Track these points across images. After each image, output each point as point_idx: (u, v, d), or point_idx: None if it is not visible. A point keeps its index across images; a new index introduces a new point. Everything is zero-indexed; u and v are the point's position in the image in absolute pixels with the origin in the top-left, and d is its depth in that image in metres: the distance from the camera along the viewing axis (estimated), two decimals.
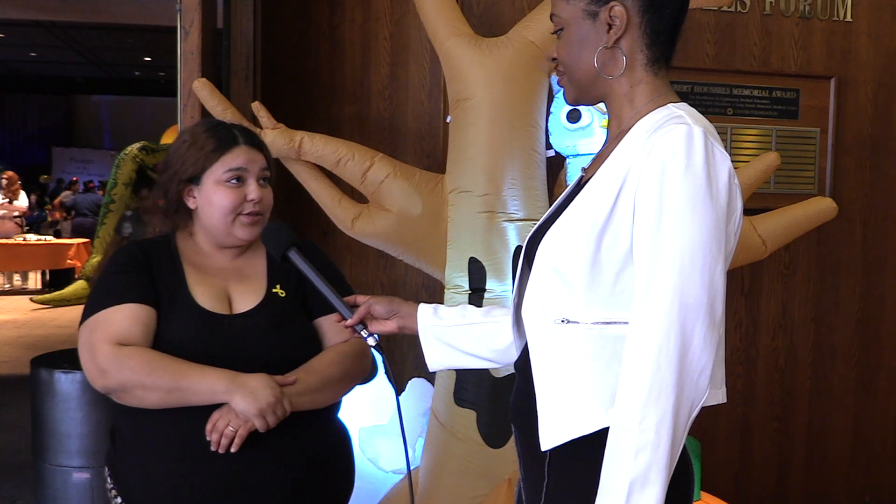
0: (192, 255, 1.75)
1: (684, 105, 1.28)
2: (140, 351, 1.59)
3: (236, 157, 1.71)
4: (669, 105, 1.27)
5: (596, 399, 1.21)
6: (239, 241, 1.74)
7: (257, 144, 1.77)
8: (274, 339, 1.68)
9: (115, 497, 1.67)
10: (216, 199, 1.70)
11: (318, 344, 1.77)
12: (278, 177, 2.54)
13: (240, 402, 1.55)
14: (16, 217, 10.80)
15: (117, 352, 1.58)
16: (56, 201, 13.29)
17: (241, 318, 1.69)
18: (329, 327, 1.75)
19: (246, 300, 1.72)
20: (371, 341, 1.51)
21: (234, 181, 1.70)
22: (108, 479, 1.71)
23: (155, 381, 1.57)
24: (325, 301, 1.53)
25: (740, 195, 1.23)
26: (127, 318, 1.62)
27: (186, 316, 1.65)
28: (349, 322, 1.51)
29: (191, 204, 1.74)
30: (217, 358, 1.61)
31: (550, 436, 1.24)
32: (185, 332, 1.63)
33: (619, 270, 1.21)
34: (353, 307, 1.52)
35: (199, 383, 1.56)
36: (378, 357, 1.66)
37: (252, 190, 1.71)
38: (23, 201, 11.10)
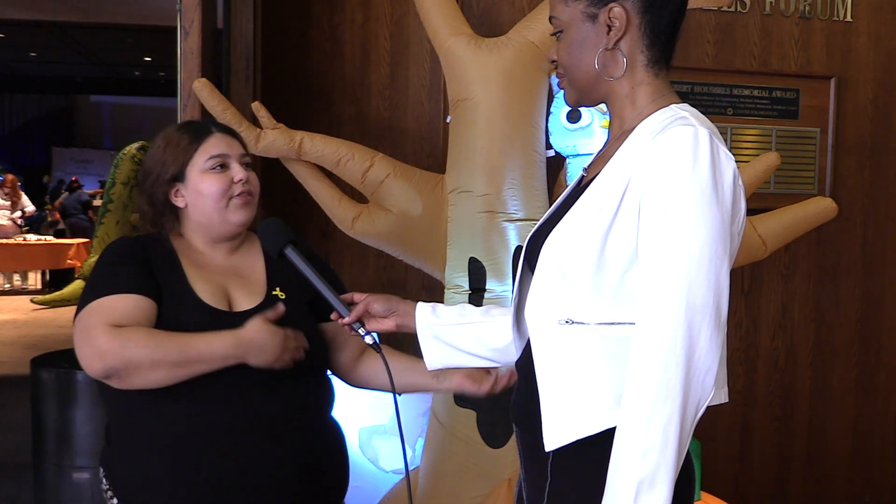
0: (188, 252, 1.74)
1: (687, 106, 1.28)
2: (140, 328, 1.56)
3: (215, 145, 1.71)
4: (672, 106, 1.27)
5: (600, 399, 1.21)
6: (235, 227, 1.73)
7: (231, 132, 1.79)
8: None
9: (112, 498, 1.66)
10: (204, 187, 1.69)
11: (322, 347, 1.77)
12: (278, 176, 2.56)
13: (255, 360, 1.57)
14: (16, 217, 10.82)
15: (117, 331, 1.54)
16: (56, 203, 13.37)
17: (242, 316, 1.68)
18: (340, 332, 1.75)
19: (245, 300, 1.71)
20: (369, 339, 1.51)
21: (217, 167, 1.70)
22: (104, 480, 1.69)
23: (162, 355, 1.53)
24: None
25: (744, 196, 1.23)
26: (129, 306, 1.58)
27: (192, 310, 1.64)
28: (346, 320, 1.51)
29: (179, 203, 1.73)
30: None
31: (555, 436, 1.23)
32: (193, 327, 1.62)
33: (624, 271, 1.21)
34: (351, 305, 1.52)
35: (209, 351, 1.55)
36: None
37: (237, 171, 1.71)
38: (28, 203, 11.14)
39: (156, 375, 1.54)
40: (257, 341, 1.56)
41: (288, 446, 1.64)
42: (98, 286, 1.62)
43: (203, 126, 1.77)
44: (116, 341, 1.53)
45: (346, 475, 1.81)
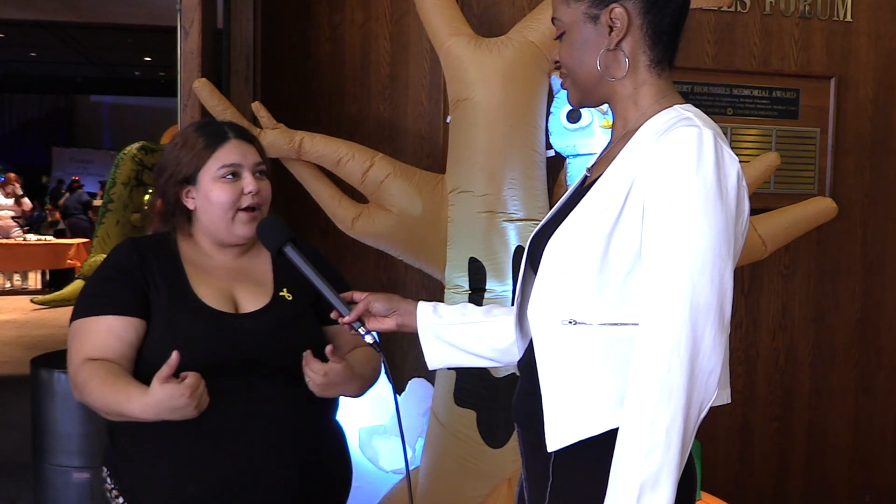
0: (193, 255, 1.74)
1: (690, 106, 1.28)
2: (86, 372, 1.58)
3: (229, 153, 1.70)
4: (676, 106, 1.27)
5: (603, 400, 1.21)
6: (239, 239, 1.73)
7: (248, 138, 1.76)
8: (281, 341, 1.67)
9: (117, 497, 1.66)
10: (214, 195, 1.69)
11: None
12: (278, 177, 2.56)
13: (174, 418, 1.51)
14: (17, 217, 10.85)
15: (81, 370, 1.59)
16: (60, 201, 13.44)
17: (248, 318, 1.68)
18: (342, 334, 1.75)
19: (252, 302, 1.71)
20: (369, 339, 1.50)
21: (229, 176, 1.70)
22: (108, 480, 1.70)
23: (103, 405, 1.57)
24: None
25: (748, 197, 1.23)
26: (103, 331, 1.62)
27: (193, 314, 1.64)
28: (346, 319, 1.50)
29: (189, 205, 1.73)
30: (225, 357, 1.60)
31: (557, 437, 1.23)
32: (194, 331, 1.62)
33: (627, 272, 1.21)
34: (352, 304, 1.51)
35: (131, 411, 1.52)
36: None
37: (248, 182, 1.70)
38: (27, 202, 11.20)
39: (108, 416, 1.60)
40: (164, 405, 1.49)
41: (291, 447, 1.64)
42: (85, 303, 1.67)
43: (221, 131, 1.74)
44: (75, 380, 1.61)
45: (348, 477, 1.81)
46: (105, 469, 1.71)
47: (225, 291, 1.70)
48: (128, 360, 1.62)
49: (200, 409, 1.50)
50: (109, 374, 1.57)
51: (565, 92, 1.39)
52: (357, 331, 1.50)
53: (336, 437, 1.80)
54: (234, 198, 1.69)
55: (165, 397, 1.47)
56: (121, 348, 1.61)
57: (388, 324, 1.51)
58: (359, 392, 1.74)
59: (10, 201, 10.70)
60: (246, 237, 1.72)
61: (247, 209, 1.70)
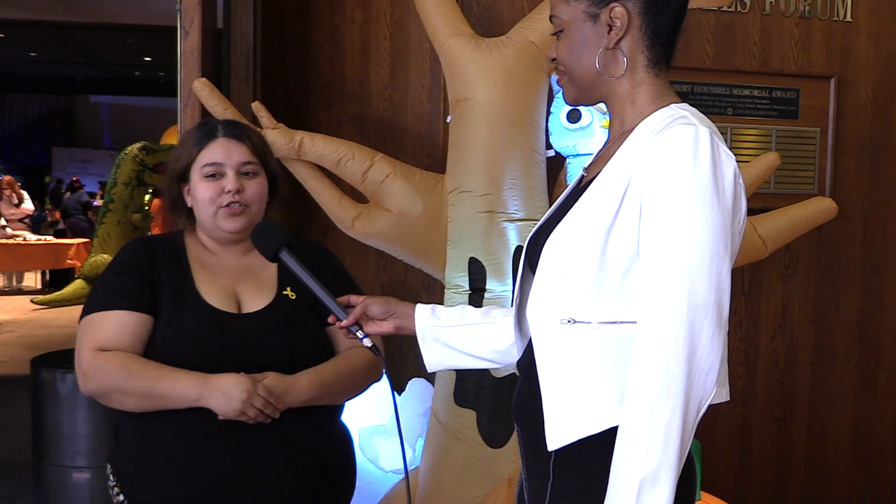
0: (200, 253, 1.76)
1: (687, 105, 1.28)
2: (118, 356, 1.61)
3: (213, 152, 1.72)
4: (673, 105, 1.27)
5: (603, 398, 1.21)
6: (226, 235, 1.75)
7: (239, 136, 1.76)
8: (283, 340, 1.68)
9: (118, 495, 1.67)
10: (198, 192, 1.72)
11: (328, 348, 1.77)
12: None
13: (216, 405, 1.57)
14: (23, 219, 10.87)
15: (97, 356, 1.61)
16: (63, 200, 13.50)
17: (250, 317, 1.69)
18: (341, 335, 1.75)
19: (255, 301, 1.72)
20: (367, 342, 1.50)
21: (213, 175, 1.71)
22: (111, 477, 1.71)
23: (130, 386, 1.59)
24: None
25: (745, 195, 1.24)
26: (115, 325, 1.63)
27: (195, 313, 1.65)
28: (344, 323, 1.49)
29: (188, 202, 1.76)
30: (226, 357, 1.60)
31: (557, 436, 1.24)
32: (194, 330, 1.63)
33: (625, 270, 1.21)
34: (349, 308, 1.51)
35: (172, 390, 1.57)
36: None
37: (229, 181, 1.71)
38: (28, 203, 11.19)
39: (128, 402, 1.61)
40: (223, 386, 1.55)
41: (295, 448, 1.64)
42: (98, 298, 1.69)
43: (211, 129, 1.76)
44: (95, 367, 1.61)
45: (352, 478, 1.81)
46: (109, 466, 1.73)
47: (229, 290, 1.71)
48: (137, 354, 1.63)
49: (247, 415, 1.55)
50: (139, 358, 1.61)
51: (562, 89, 1.39)
52: (355, 335, 1.50)
53: (341, 439, 1.80)
54: (214, 195, 1.71)
55: (237, 380, 1.55)
56: (131, 342, 1.63)
57: (386, 327, 1.51)
58: (340, 400, 1.78)
59: (14, 209, 10.70)
60: (231, 231, 1.74)
61: (228, 206, 1.71)
